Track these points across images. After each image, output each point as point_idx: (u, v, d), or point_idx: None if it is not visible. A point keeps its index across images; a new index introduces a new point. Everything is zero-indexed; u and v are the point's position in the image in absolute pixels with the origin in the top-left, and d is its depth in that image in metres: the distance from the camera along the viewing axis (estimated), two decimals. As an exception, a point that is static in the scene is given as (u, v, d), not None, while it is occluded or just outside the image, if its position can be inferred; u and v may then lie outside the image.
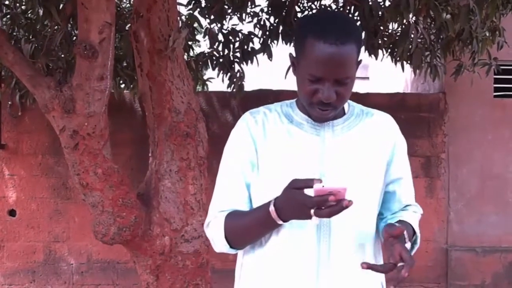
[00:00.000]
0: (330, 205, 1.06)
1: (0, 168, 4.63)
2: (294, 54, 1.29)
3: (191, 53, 4.22)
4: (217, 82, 4.24)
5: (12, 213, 4.67)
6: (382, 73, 7.67)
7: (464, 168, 4.82)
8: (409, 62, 3.79)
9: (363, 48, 3.81)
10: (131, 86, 4.15)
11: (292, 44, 3.99)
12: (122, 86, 4.40)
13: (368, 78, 10.50)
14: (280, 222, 1.17)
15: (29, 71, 2.48)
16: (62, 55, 3.60)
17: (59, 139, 2.49)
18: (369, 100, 4.82)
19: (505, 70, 4.71)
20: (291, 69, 1.33)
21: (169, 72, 2.66)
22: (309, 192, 1.10)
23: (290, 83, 1.41)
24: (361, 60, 1.27)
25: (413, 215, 1.40)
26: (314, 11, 3.88)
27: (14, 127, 4.65)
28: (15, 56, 2.49)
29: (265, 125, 1.31)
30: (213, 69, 3.96)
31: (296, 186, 1.11)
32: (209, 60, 3.93)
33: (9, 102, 4.58)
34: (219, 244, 1.30)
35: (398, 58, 3.66)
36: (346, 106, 1.36)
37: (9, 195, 4.65)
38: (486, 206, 4.81)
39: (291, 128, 1.30)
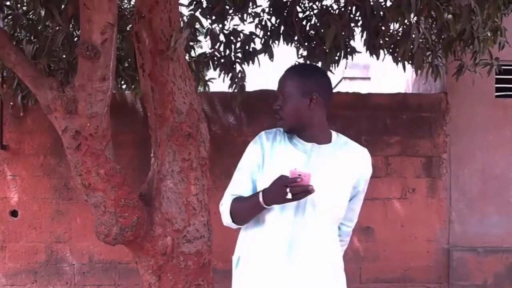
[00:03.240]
0: (300, 184, 1.58)
1: (2, 169, 4.64)
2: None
3: (193, 54, 4.22)
4: (218, 82, 4.25)
5: (14, 213, 4.67)
6: (383, 73, 7.67)
7: (465, 168, 4.81)
8: (410, 62, 3.79)
9: (364, 48, 3.82)
10: (133, 86, 4.15)
11: (292, 45, 3.99)
12: (124, 86, 4.41)
13: (369, 78, 10.50)
14: (265, 206, 1.70)
15: (31, 72, 2.48)
16: (64, 56, 3.60)
17: (61, 139, 2.49)
18: (371, 101, 4.81)
19: (506, 70, 4.71)
20: None
21: (171, 72, 2.66)
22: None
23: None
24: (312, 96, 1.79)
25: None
26: (315, 11, 3.88)
27: (16, 128, 4.66)
28: (17, 57, 2.49)
29: (273, 141, 1.85)
30: (215, 69, 3.96)
31: (282, 179, 1.63)
32: (210, 61, 3.93)
33: (11, 103, 4.59)
34: (226, 218, 1.83)
35: (399, 58, 3.65)
36: (334, 136, 1.84)
37: (11, 195, 4.66)
38: (488, 206, 4.81)
39: (289, 145, 1.83)
